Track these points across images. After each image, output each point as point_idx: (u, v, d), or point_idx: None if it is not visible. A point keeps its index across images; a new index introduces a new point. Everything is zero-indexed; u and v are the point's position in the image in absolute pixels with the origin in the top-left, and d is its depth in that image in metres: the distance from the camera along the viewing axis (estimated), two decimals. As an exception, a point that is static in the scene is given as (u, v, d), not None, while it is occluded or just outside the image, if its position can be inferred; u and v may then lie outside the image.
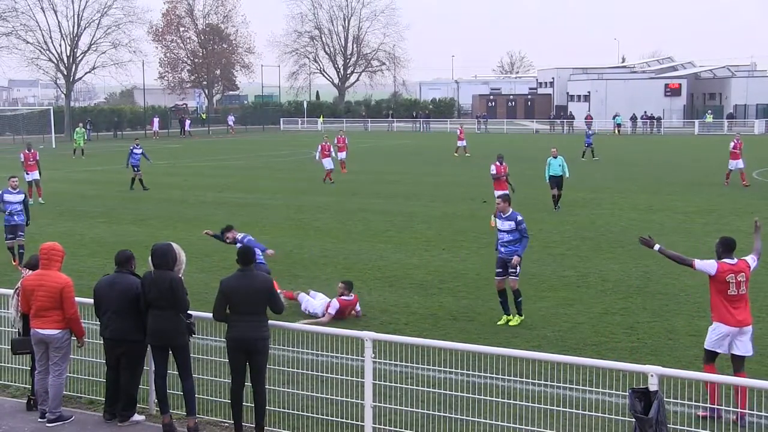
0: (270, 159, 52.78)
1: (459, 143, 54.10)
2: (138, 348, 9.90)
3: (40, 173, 31.78)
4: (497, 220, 14.67)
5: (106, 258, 17.99)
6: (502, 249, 14.39)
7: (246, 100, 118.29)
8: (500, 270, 14.49)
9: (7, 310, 11.35)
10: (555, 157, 28.16)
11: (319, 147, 38.71)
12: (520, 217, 14.33)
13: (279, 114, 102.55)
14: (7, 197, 19.47)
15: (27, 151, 31.97)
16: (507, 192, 22.18)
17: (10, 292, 10.84)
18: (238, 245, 12.33)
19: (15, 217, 19.37)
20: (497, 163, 25.81)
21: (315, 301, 15.03)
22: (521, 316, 14.36)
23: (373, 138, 77.09)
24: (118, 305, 9.83)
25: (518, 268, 14.33)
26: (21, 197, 19.68)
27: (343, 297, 14.80)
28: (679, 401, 8.74)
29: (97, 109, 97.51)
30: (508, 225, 14.27)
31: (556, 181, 27.95)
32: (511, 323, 14.21)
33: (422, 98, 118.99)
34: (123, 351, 9.91)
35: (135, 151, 36.01)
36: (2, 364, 11.50)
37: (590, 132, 52.61)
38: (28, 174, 31.25)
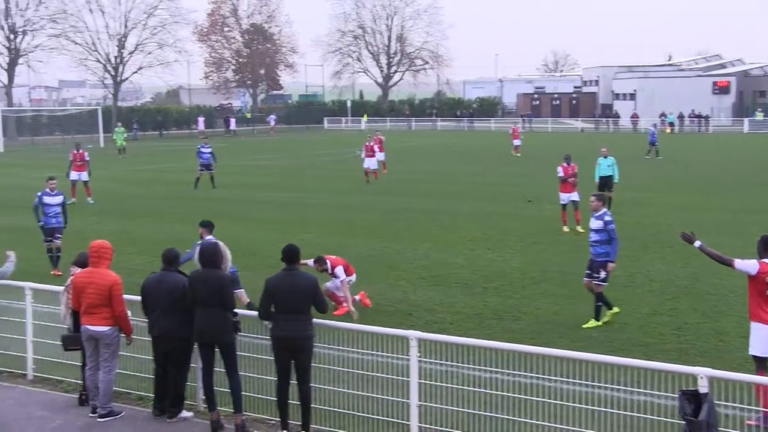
0: (314, 158, 53.00)
1: (515, 142, 53.52)
2: (185, 345, 10.00)
3: (89, 173, 31.89)
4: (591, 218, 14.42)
5: (154, 256, 18.21)
6: (591, 249, 14.30)
7: (290, 99, 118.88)
8: (588, 271, 14.39)
9: (58, 307, 11.56)
10: (605, 157, 26.78)
11: (364, 147, 38.91)
12: (608, 218, 14.16)
13: (323, 113, 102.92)
14: (46, 199, 19.10)
15: (75, 151, 32.02)
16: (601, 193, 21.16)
17: (61, 289, 11.03)
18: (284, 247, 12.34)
19: (53, 219, 19.06)
20: (564, 164, 24.18)
21: (329, 284, 14.92)
22: (597, 321, 14.10)
23: (417, 137, 77.03)
24: (165, 303, 9.95)
25: (603, 273, 14.08)
26: (60, 199, 19.31)
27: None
28: (729, 404, 8.60)
29: (144, 108, 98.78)
30: (597, 224, 14.13)
31: (605, 182, 26.43)
32: (585, 326, 14.01)
33: (466, 97, 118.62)
34: (170, 348, 10.03)
35: (203, 150, 35.85)
36: (55, 360, 11.69)
37: (654, 131, 51.84)
38: (75, 174, 31.45)
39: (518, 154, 51.95)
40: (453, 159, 50.71)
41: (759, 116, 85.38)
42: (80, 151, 31.90)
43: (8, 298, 12.36)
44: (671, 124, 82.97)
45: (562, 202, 23.73)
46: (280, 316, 9.50)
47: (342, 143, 67.76)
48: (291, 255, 9.70)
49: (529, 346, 10.00)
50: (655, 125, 60.75)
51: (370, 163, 37.96)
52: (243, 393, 9.90)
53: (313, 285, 9.68)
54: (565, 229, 23.35)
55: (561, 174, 24.06)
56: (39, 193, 19.26)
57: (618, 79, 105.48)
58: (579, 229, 22.69)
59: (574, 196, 23.52)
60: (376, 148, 38.72)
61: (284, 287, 9.50)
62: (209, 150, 35.77)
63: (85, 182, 31.62)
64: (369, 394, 9.73)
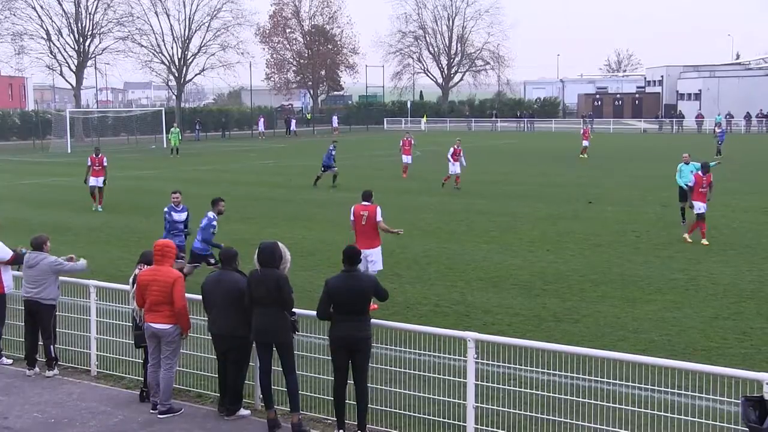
0: (374, 159, 53.12)
1: (584, 143, 52.80)
2: (242, 344, 10.08)
3: (105, 180, 29.96)
4: None
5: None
6: None
7: (350, 100, 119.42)
8: None
9: (120, 305, 11.79)
10: (687, 163, 24.72)
11: (401, 142, 40.96)
12: None
13: (383, 114, 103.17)
14: (175, 215, 17.16)
15: (94, 156, 29.84)
16: None
17: (126, 287, 11.25)
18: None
19: (175, 239, 16.24)
20: (698, 172, 22.52)
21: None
22: None
23: (476, 138, 76.69)
24: (222, 302, 10.06)
25: None
26: (185, 215, 17.38)
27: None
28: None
29: (206, 109, 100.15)
30: None
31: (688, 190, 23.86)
32: None
33: (527, 98, 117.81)
34: (228, 347, 10.14)
35: (333, 151, 36.54)
36: (117, 357, 11.93)
37: (720, 131, 50.74)
38: (94, 180, 29.43)
39: (585, 156, 51.27)
40: (512, 160, 50.39)
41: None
42: (99, 156, 29.82)
43: (74, 296, 12.65)
44: (718, 125, 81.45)
45: (698, 211, 21.94)
46: (339, 316, 9.55)
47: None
48: (352, 256, 9.74)
49: (588, 348, 9.87)
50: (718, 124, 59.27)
51: (406, 159, 40.07)
52: (300, 392, 9.97)
53: (373, 285, 9.73)
54: (688, 239, 21.84)
55: (691, 183, 22.56)
56: (166, 209, 17.33)
57: (683, 79, 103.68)
58: (704, 242, 21.39)
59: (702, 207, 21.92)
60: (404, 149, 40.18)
61: (344, 288, 9.54)
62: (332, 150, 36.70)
63: (100, 188, 29.67)
64: (426, 395, 9.72)
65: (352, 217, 15.81)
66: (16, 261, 12.47)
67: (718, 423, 8.32)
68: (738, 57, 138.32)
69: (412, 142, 41.73)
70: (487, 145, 65.85)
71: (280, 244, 10.29)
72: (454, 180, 35.39)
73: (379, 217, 15.63)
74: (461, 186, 34.81)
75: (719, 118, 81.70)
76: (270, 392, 9.97)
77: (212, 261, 16.11)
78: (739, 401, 7.76)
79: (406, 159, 40.39)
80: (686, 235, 21.97)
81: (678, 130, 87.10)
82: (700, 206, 21.95)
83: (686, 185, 23.67)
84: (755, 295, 16.05)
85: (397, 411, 9.79)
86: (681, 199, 24.55)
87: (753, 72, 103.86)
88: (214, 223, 16.47)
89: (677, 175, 24.84)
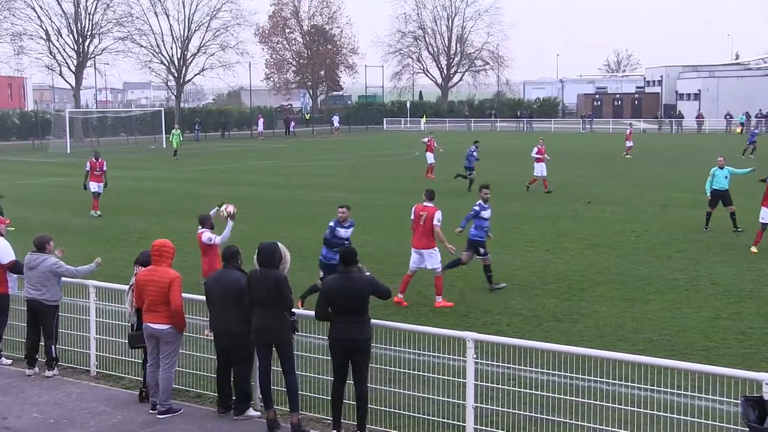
0: (373, 159, 53.14)
1: (627, 143, 52.43)
2: (241, 341, 10.04)
3: (105, 185, 28.91)
4: None
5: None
6: None
7: (350, 100, 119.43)
8: None
9: (119, 305, 11.79)
10: (722, 168, 23.58)
11: (427, 140, 41.00)
12: None
13: (382, 114, 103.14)
14: (341, 231, 15.21)
15: (94, 160, 28.72)
16: None
17: (125, 287, 11.24)
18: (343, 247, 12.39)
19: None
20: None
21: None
22: None
23: (476, 138, 76.55)
24: (220, 300, 10.09)
25: None
26: (351, 231, 15.47)
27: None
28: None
29: (206, 110, 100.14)
30: None
31: (721, 196, 23.44)
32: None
33: (526, 98, 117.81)
34: (228, 345, 10.14)
35: (474, 153, 35.58)
36: (117, 357, 11.93)
37: (755, 131, 50.71)
38: (94, 185, 28.44)
39: (628, 156, 50.49)
40: (512, 160, 50.38)
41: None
42: (99, 160, 28.73)
43: (73, 296, 12.64)
44: (741, 125, 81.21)
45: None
46: (337, 318, 9.56)
47: (401, 144, 67.79)
48: (347, 257, 9.74)
49: (588, 348, 9.87)
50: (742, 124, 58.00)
51: (429, 158, 39.94)
52: (299, 392, 9.96)
53: (369, 285, 9.70)
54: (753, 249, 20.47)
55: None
56: (331, 223, 15.33)
57: (682, 79, 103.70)
58: (753, 249, 20.40)
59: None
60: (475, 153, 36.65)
61: (341, 290, 9.54)
62: (473, 151, 35.61)
63: (97, 194, 28.56)
64: (425, 395, 9.72)
65: (412, 216, 15.89)
66: (15, 268, 12.38)
67: (717, 423, 8.32)
68: (737, 57, 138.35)
69: (434, 143, 41.26)
70: (487, 146, 65.77)
71: (279, 245, 10.29)
72: (542, 183, 33.39)
73: (436, 221, 15.50)
74: (549, 188, 33.11)
75: (742, 118, 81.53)
76: (270, 392, 9.96)
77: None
78: (739, 401, 7.76)
79: (431, 158, 40.17)
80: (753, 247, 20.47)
81: (677, 131, 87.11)
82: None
83: (714, 190, 22.84)
84: (755, 295, 16.06)
85: (397, 411, 9.80)
86: (711, 204, 23.59)
87: (752, 72, 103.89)
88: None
89: (709, 179, 23.73)
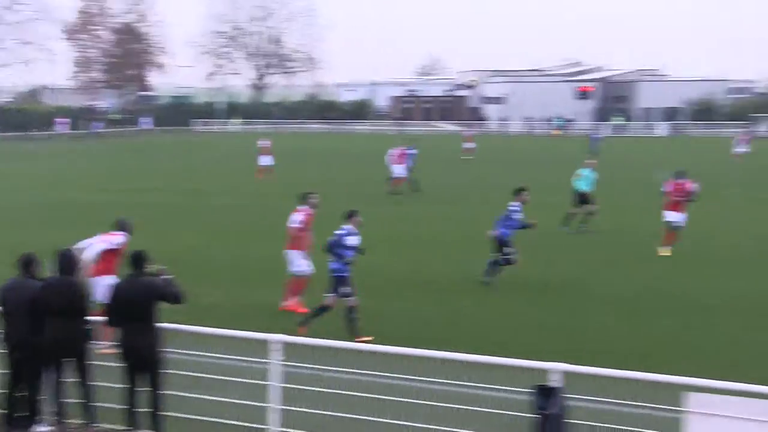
0: (194, 161, 51.97)
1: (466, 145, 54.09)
2: (35, 353, 9.56)
3: None
4: None
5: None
6: None
7: (161, 100, 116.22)
8: None
9: None
10: (589, 170, 25.24)
11: (392, 152, 35.45)
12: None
13: (194, 115, 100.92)
14: (348, 240, 13.73)
15: None
16: None
17: None
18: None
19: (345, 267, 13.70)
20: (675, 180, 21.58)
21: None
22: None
23: (288, 140, 76.64)
24: (16, 310, 9.55)
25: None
26: (357, 240, 13.98)
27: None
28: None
29: (4, 108, 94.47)
30: None
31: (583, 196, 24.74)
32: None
33: (340, 100, 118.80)
34: (22, 356, 9.62)
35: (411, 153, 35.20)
36: None
37: (596, 136, 53.87)
38: None
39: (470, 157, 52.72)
40: (321, 162, 50.69)
41: (617, 121, 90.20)
42: None
43: None
44: (559, 128, 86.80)
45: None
46: (124, 323, 9.30)
47: (213, 146, 66.81)
48: (134, 259, 9.49)
49: (388, 346, 9.95)
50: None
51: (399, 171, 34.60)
52: (95, 403, 9.58)
53: (153, 289, 9.31)
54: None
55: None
56: (342, 231, 13.87)
57: (489, 83, 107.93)
58: (664, 251, 20.64)
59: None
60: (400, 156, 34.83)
61: (124, 294, 9.31)
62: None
63: None
64: (227, 399, 9.51)
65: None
66: None
67: (509, 412, 8.66)
68: (538, 64, 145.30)
69: (407, 152, 35.47)
70: (298, 147, 65.93)
71: (75, 250, 9.92)
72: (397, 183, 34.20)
73: (296, 223, 15.37)
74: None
75: (562, 121, 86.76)
76: (63, 404, 9.55)
77: None
78: (531, 390, 8.15)
79: (398, 171, 34.63)
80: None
81: (482, 132, 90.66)
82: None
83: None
84: (546, 289, 16.97)
85: (195, 417, 9.53)
86: (578, 204, 24.83)
87: (551, 78, 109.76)
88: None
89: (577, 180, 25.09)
